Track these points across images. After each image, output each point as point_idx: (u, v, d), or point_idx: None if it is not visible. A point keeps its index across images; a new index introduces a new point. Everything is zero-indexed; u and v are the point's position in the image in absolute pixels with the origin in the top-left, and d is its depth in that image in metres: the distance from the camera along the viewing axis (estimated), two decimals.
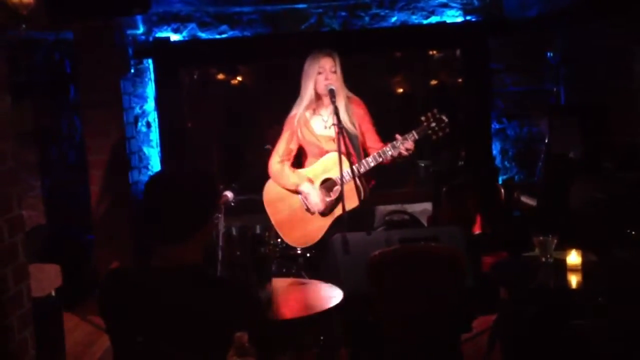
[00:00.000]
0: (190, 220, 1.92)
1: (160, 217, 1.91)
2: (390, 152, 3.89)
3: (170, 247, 1.91)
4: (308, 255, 4.17)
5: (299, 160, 4.19)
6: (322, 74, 3.93)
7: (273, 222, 4.11)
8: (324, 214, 4.03)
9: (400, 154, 3.88)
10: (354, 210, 3.88)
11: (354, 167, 3.88)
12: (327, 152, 4.03)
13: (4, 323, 2.65)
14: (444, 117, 3.92)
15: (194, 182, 1.96)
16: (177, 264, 1.90)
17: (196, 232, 1.93)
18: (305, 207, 4.06)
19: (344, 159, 3.80)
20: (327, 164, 4.02)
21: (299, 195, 4.07)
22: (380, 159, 3.91)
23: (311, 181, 4.04)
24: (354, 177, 3.88)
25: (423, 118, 3.94)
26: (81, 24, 4.72)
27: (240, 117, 6.46)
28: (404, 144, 3.87)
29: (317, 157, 4.08)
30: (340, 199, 3.90)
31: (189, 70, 6.04)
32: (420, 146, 4.01)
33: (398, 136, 3.88)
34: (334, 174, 3.95)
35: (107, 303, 1.95)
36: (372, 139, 4.09)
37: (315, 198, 3.99)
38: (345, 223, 3.74)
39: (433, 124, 3.92)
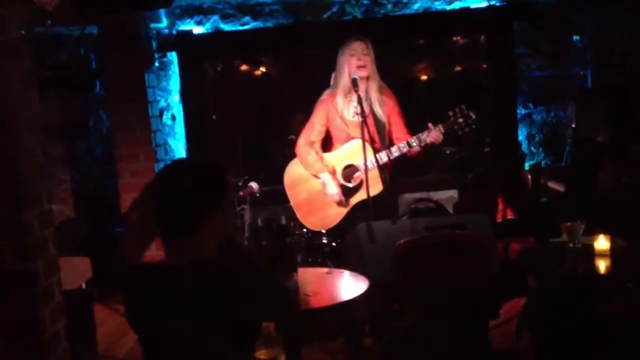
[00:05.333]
0: (194, 208, 1.86)
1: (166, 206, 1.88)
2: (415, 144, 3.90)
3: (181, 240, 1.87)
4: (333, 244, 4.19)
5: (325, 144, 4.19)
6: (354, 56, 3.94)
7: (292, 204, 4.13)
8: (341, 201, 4.03)
9: (426, 145, 3.89)
10: (375, 198, 3.89)
11: (377, 155, 3.88)
12: (353, 138, 4.04)
13: (36, 316, 2.69)
14: (472, 114, 3.90)
15: (198, 170, 1.93)
16: (193, 258, 1.86)
17: (203, 221, 1.87)
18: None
19: (368, 147, 3.81)
20: (351, 150, 4.03)
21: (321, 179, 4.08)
22: (405, 150, 3.92)
23: (333, 172, 4.04)
24: (377, 165, 3.88)
25: (450, 113, 3.93)
26: (106, 19, 4.75)
27: (264, 108, 6.47)
28: (430, 137, 3.87)
29: (343, 142, 4.09)
30: (360, 186, 3.90)
31: (213, 63, 6.07)
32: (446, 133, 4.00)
33: (431, 125, 3.88)
34: (357, 161, 3.95)
35: (131, 301, 1.94)
36: (399, 130, 4.09)
37: (333, 189, 4.00)
38: (370, 209, 3.74)
39: (460, 120, 3.91)
